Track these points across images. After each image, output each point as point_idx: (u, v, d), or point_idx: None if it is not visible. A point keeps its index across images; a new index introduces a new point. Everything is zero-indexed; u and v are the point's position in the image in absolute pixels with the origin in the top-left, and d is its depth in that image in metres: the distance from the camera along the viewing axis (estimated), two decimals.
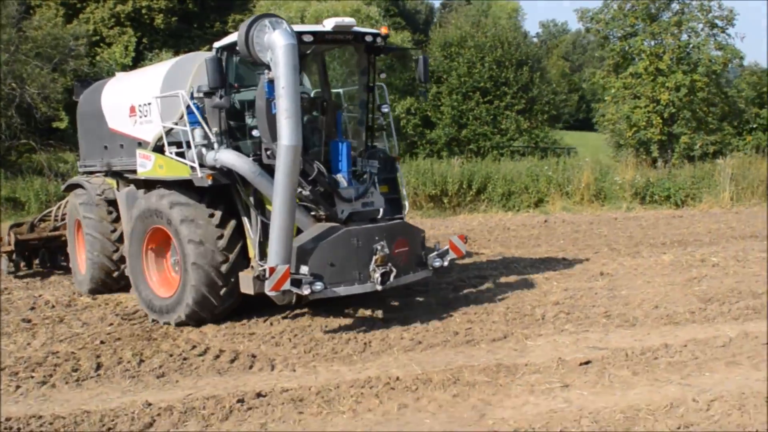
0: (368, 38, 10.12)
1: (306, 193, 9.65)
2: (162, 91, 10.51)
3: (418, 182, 23.24)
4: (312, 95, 11.22)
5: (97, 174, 12.87)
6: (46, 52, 27.70)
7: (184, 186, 10.04)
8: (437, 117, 33.33)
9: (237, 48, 9.19)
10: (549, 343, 8.90)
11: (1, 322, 10.52)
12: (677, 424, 6.26)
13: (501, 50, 33.37)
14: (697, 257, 14.04)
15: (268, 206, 9.65)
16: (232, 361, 8.47)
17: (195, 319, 9.92)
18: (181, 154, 10.18)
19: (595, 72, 34.41)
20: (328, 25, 9.75)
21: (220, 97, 9.57)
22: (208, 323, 9.96)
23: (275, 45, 8.66)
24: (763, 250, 14.66)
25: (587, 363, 7.94)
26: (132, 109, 11.42)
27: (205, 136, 9.96)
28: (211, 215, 9.84)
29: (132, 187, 11.52)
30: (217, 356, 8.66)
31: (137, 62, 34.01)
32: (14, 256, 14.31)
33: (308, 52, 9.88)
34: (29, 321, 10.64)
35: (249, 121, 10.28)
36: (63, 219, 14.12)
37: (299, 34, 9.18)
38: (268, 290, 8.84)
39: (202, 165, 9.83)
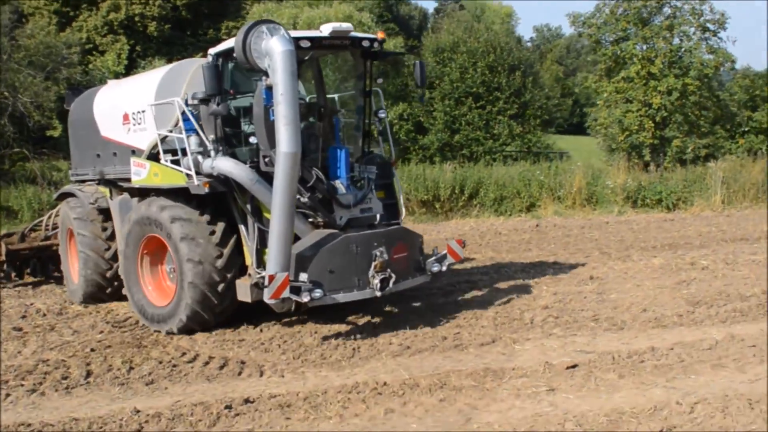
0: (365, 43, 10.09)
1: (304, 199, 9.61)
2: (156, 99, 10.44)
3: (410, 188, 23.27)
4: (307, 101, 11.19)
5: (90, 182, 12.82)
6: (39, 61, 27.68)
7: (179, 194, 10.01)
8: (430, 122, 33.45)
9: (234, 54, 9.14)
10: (537, 347, 8.94)
11: None
12: (660, 427, 6.31)
13: (493, 55, 33.52)
14: (687, 260, 14.11)
15: (265, 213, 9.64)
16: (222, 367, 8.51)
17: (196, 321, 9.92)
18: (176, 162, 10.14)
19: (587, 76, 34.53)
20: (325, 30, 9.72)
21: (218, 104, 9.50)
22: (209, 328, 10.01)
23: (273, 51, 8.63)
24: (753, 252, 14.74)
25: (574, 367, 7.99)
26: (125, 117, 11.35)
27: (201, 144, 9.89)
28: (212, 233, 9.78)
29: (126, 195, 11.49)
30: (207, 363, 8.70)
31: (130, 70, 34.03)
32: (5, 267, 14.24)
33: (306, 58, 9.92)
34: (20, 329, 10.67)
35: (245, 127, 10.26)
36: (54, 228, 14.09)
37: (296, 39, 9.15)
38: (268, 298, 8.79)
39: (198, 172, 9.79)
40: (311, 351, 8.99)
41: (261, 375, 8.24)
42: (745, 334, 9.03)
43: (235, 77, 10.37)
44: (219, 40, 11.32)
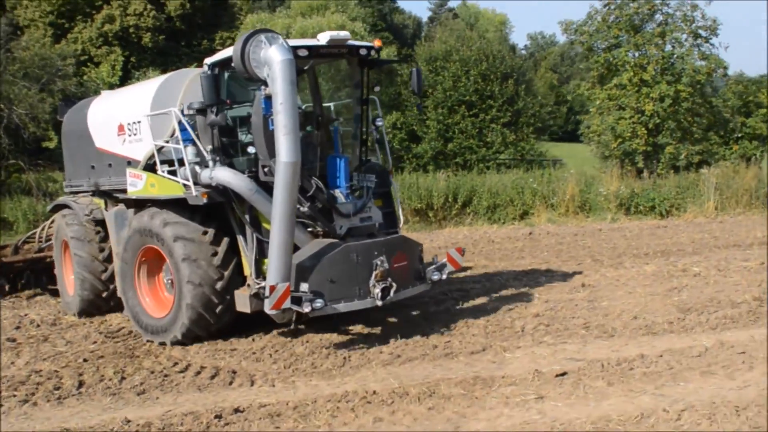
0: (363, 51, 10.09)
1: (304, 209, 9.58)
2: (152, 109, 10.38)
3: (403, 196, 23.23)
4: (303, 109, 11.13)
5: (84, 194, 12.76)
6: (34, 73, 27.78)
7: (176, 205, 10.00)
8: (423, 131, 33.53)
9: (232, 64, 9.12)
10: (527, 355, 8.97)
11: None
12: None
13: (486, 64, 33.63)
14: (679, 267, 14.14)
15: (264, 224, 9.63)
16: (213, 377, 8.55)
17: (191, 338, 9.90)
18: (172, 173, 10.11)
19: (580, 84, 34.63)
20: (322, 39, 9.70)
21: (216, 114, 9.49)
22: (204, 341, 9.98)
23: (272, 60, 8.62)
24: (745, 259, 14.77)
25: (563, 374, 8.02)
26: (120, 128, 11.27)
27: (198, 154, 9.86)
28: (205, 233, 9.79)
29: (121, 206, 11.45)
30: (198, 372, 8.74)
31: (124, 81, 34.12)
32: None
33: (306, 67, 9.89)
34: (14, 340, 10.71)
35: (243, 137, 10.26)
36: (48, 240, 14.09)
37: (294, 48, 9.13)
38: (269, 309, 8.75)
39: (196, 183, 9.76)
40: (302, 360, 9.03)
41: (252, 384, 8.27)
42: (735, 340, 9.07)
43: (231, 87, 10.33)
44: (213, 51, 11.32)
